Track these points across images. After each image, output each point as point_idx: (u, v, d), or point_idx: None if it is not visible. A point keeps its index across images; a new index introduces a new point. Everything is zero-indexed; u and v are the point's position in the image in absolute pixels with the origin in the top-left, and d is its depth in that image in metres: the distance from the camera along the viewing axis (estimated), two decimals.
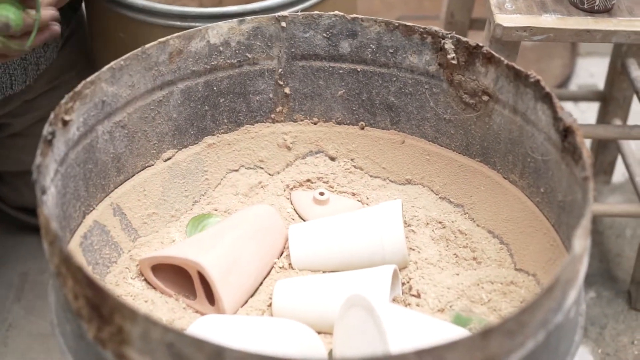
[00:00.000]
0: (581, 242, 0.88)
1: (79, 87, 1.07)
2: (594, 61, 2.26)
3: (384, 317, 0.95)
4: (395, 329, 0.95)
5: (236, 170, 1.28)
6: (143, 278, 1.15)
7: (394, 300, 1.12)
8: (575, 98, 1.91)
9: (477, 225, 1.21)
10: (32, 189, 1.64)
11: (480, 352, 0.80)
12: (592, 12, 1.32)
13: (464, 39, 1.15)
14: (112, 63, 1.12)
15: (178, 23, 1.34)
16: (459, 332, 0.97)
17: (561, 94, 1.90)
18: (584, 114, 2.08)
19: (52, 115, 1.02)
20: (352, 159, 1.29)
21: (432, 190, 1.26)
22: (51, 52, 1.47)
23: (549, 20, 1.31)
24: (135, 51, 1.14)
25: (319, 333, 1.09)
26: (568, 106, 2.09)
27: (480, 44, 1.13)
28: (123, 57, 1.13)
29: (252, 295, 1.15)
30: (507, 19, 1.30)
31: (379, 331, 0.95)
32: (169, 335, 0.80)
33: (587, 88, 2.13)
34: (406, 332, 0.96)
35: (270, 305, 1.13)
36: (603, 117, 1.78)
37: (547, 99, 1.06)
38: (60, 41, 1.51)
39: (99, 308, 0.84)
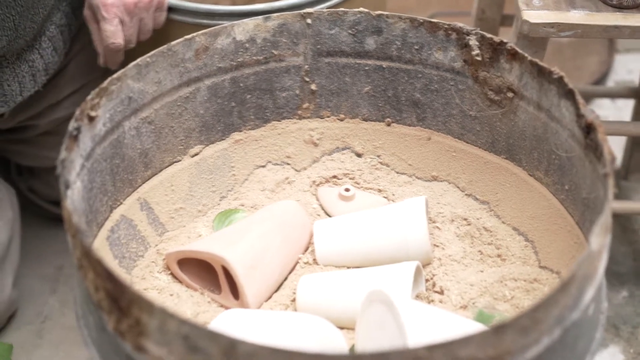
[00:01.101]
0: (599, 239, 0.87)
1: (105, 83, 1.09)
2: (633, 58, 2.23)
3: (404, 313, 0.96)
4: (414, 324, 0.95)
5: (263, 166, 1.29)
6: (169, 272, 1.16)
7: (417, 296, 1.12)
8: (612, 95, 1.88)
9: (503, 222, 1.21)
10: None
11: (493, 348, 0.80)
12: (620, 8, 1.31)
13: (488, 36, 1.15)
14: (138, 60, 1.13)
15: (205, 21, 1.35)
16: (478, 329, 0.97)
17: (597, 90, 1.89)
18: (621, 111, 2.06)
19: (77, 111, 1.03)
20: (378, 156, 1.30)
21: (457, 187, 1.26)
22: (59, 57, 1.49)
23: (576, 16, 1.30)
24: (161, 48, 1.15)
25: (342, 328, 1.10)
26: (605, 103, 2.07)
27: (505, 40, 1.13)
28: (149, 54, 1.14)
29: (276, 290, 1.16)
30: (535, 15, 1.29)
31: (398, 326, 0.95)
32: (184, 327, 0.81)
33: (624, 85, 2.10)
34: (426, 328, 0.96)
35: (294, 300, 1.14)
36: (639, 115, 1.76)
37: (570, 95, 1.05)
38: (67, 46, 1.52)
39: (118, 300, 0.86)
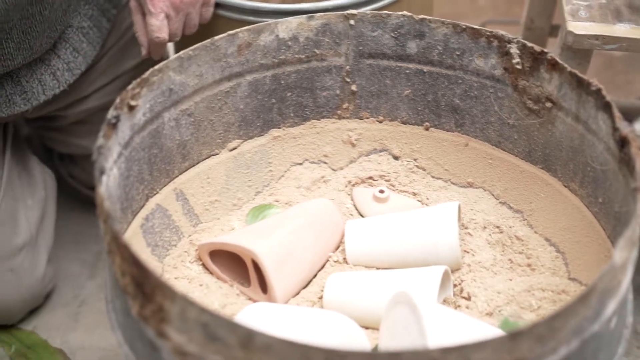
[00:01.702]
0: (623, 253, 0.87)
1: (147, 74, 1.11)
2: None
3: (427, 316, 0.96)
4: (437, 328, 0.95)
5: (300, 164, 1.30)
6: (201, 262, 1.18)
7: (444, 301, 1.13)
8: None
9: (535, 232, 1.20)
10: None
11: (508, 354, 0.80)
12: None
13: (529, 44, 1.15)
14: (180, 52, 1.15)
15: (251, 18, 1.37)
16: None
17: None
18: None
19: (117, 100, 1.05)
20: (415, 159, 1.30)
21: (492, 195, 1.26)
22: (84, 57, 1.51)
23: (622, 30, 1.29)
24: (204, 42, 1.17)
25: (367, 328, 1.10)
26: None
27: (545, 50, 1.13)
28: (192, 48, 1.16)
29: (305, 287, 1.17)
30: (580, 27, 1.29)
31: (420, 329, 0.96)
32: (204, 315, 0.82)
33: None
34: (448, 333, 0.97)
35: (321, 297, 1.15)
36: None
37: (607, 108, 1.05)
38: (94, 46, 1.54)
39: (142, 286, 0.87)
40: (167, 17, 1.32)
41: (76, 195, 1.80)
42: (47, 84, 1.46)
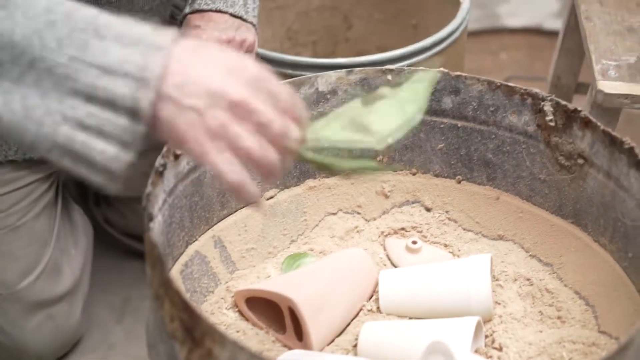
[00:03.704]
0: None
1: None
2: None
3: None
4: None
5: (334, 214, 1.33)
6: (237, 309, 1.20)
7: (476, 351, 1.15)
8: None
9: (565, 285, 1.23)
10: (136, 214, 1.72)
11: None
12: None
13: (563, 103, 1.18)
14: None
15: (290, 71, 1.41)
16: None
17: None
18: None
19: (164, 149, 1.09)
20: (447, 211, 1.33)
21: (522, 248, 1.28)
22: None
23: None
24: None
25: None
26: None
27: (579, 108, 1.16)
28: None
29: (339, 335, 1.19)
30: (609, 86, 1.32)
31: None
32: None
33: None
34: None
35: (355, 345, 1.17)
36: None
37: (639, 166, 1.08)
38: None
39: (192, 331, 0.90)
40: None
41: (107, 239, 1.82)
42: None
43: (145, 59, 0.81)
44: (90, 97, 0.81)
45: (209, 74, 0.83)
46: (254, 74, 0.84)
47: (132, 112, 0.81)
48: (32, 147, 0.82)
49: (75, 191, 1.81)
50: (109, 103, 0.81)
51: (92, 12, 0.83)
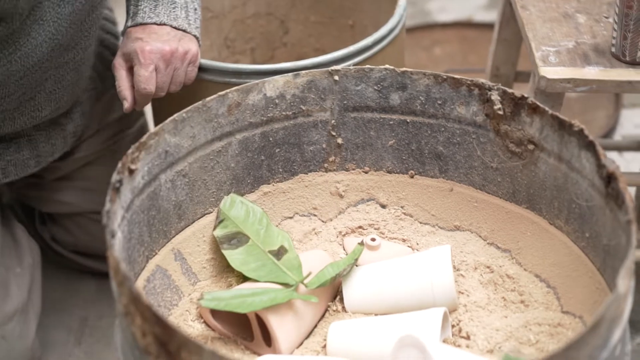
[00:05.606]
0: (625, 282, 0.91)
1: (144, 137, 1.13)
2: (639, 112, 2.29)
3: (436, 356, 0.99)
4: None
5: (291, 218, 1.33)
6: (202, 320, 1.20)
7: (444, 341, 1.16)
8: (620, 148, 1.94)
9: (524, 269, 1.24)
10: (82, 230, 1.72)
11: None
12: (633, 64, 1.36)
13: (510, 91, 1.20)
14: (174, 115, 1.18)
15: (233, 80, 1.40)
16: None
17: (606, 144, 1.94)
18: (630, 163, 2.11)
19: (119, 165, 1.08)
20: (402, 207, 1.34)
21: (480, 236, 1.30)
22: (86, 120, 1.57)
23: (592, 72, 1.35)
24: (196, 104, 1.20)
25: None
26: (613, 156, 2.12)
27: (526, 95, 1.18)
28: (185, 110, 1.19)
29: (307, 337, 1.19)
30: (551, 71, 1.35)
31: None
32: None
33: (631, 138, 2.15)
34: None
35: (324, 346, 1.17)
36: None
37: (590, 146, 1.10)
38: (92, 108, 1.60)
39: (167, 344, 0.89)
40: (156, 69, 1.34)
41: (57, 260, 1.80)
42: (58, 145, 1.50)
43: None
44: None
45: None
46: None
47: None
48: None
49: (21, 211, 1.78)
50: None
51: None
